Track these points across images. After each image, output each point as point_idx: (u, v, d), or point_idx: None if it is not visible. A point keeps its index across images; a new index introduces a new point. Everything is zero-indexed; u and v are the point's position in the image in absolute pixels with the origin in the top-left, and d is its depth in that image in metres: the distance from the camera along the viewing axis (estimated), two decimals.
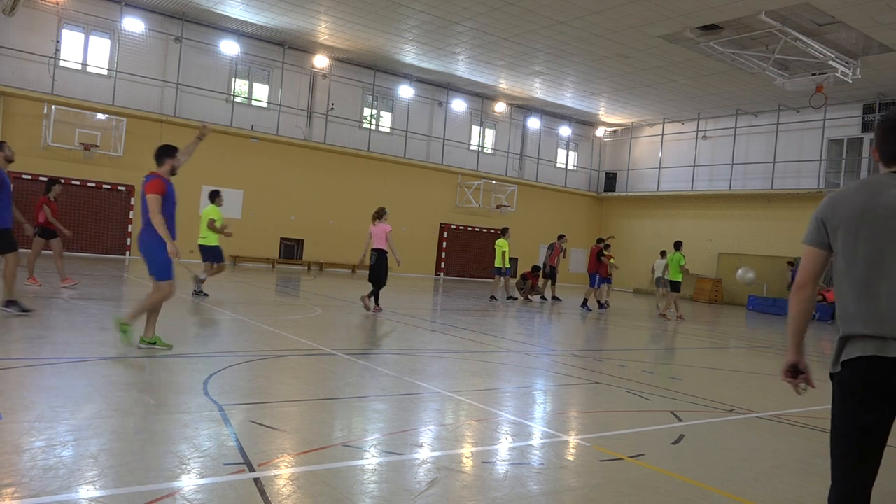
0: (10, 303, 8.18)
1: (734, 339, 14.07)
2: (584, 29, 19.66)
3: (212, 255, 12.14)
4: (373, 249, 12.15)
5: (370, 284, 12.15)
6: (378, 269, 12.09)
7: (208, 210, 12.21)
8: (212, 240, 12.08)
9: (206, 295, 11.90)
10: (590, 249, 18.39)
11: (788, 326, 2.57)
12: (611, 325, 14.99)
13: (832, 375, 2.48)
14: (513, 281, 19.72)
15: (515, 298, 18.34)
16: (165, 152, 6.93)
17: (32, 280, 11.21)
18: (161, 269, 6.63)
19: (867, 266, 2.32)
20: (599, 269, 18.04)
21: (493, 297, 17.86)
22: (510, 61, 23.87)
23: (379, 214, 12.32)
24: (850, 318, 2.38)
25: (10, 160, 8.48)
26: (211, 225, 11.97)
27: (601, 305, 18.17)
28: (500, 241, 17.65)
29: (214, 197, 12.36)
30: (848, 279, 2.38)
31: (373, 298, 12.11)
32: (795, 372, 2.61)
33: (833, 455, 2.48)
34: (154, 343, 6.71)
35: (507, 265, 17.73)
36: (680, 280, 17.07)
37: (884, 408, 2.32)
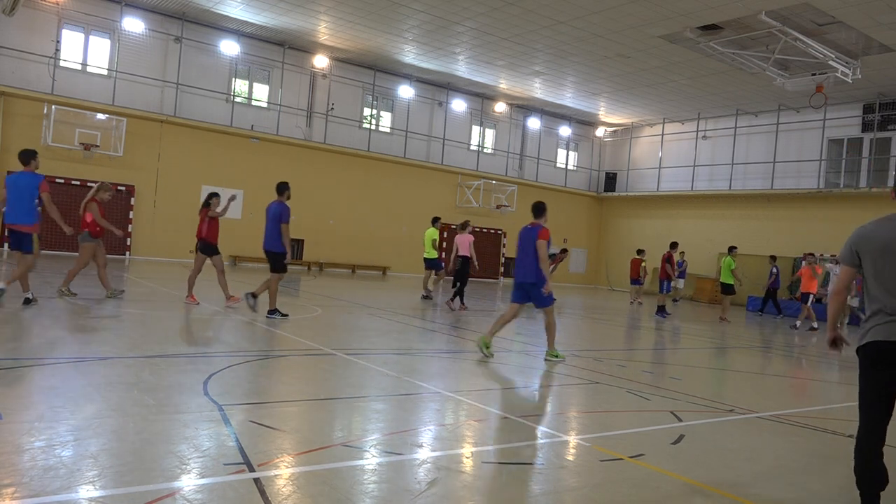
0: (273, 311, 10.03)
1: (734, 338, 14.07)
2: (584, 29, 19.65)
3: (433, 265, 15.77)
4: (457, 256, 14.55)
5: (453, 287, 14.40)
6: (462, 272, 14.39)
7: (430, 231, 15.77)
8: (433, 254, 15.63)
9: (430, 298, 15.56)
10: (661, 256, 18.80)
11: (829, 318, 3.81)
12: (611, 324, 14.99)
13: (858, 349, 3.53)
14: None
15: None
16: (544, 209, 8.43)
17: (191, 298, 10.94)
18: (545, 298, 8.12)
19: (889, 282, 3.44)
20: (665, 273, 18.44)
21: None
22: (510, 61, 23.87)
23: (463, 226, 15.10)
24: (875, 313, 3.49)
25: (289, 198, 10.42)
26: (434, 244, 15.55)
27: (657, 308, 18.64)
28: None
29: (436, 221, 16.04)
30: (876, 289, 3.49)
31: (458, 299, 14.16)
32: (835, 343, 3.76)
33: (860, 404, 3.53)
34: (556, 356, 8.22)
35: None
36: (731, 283, 17.49)
37: (892, 373, 3.41)
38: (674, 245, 19.06)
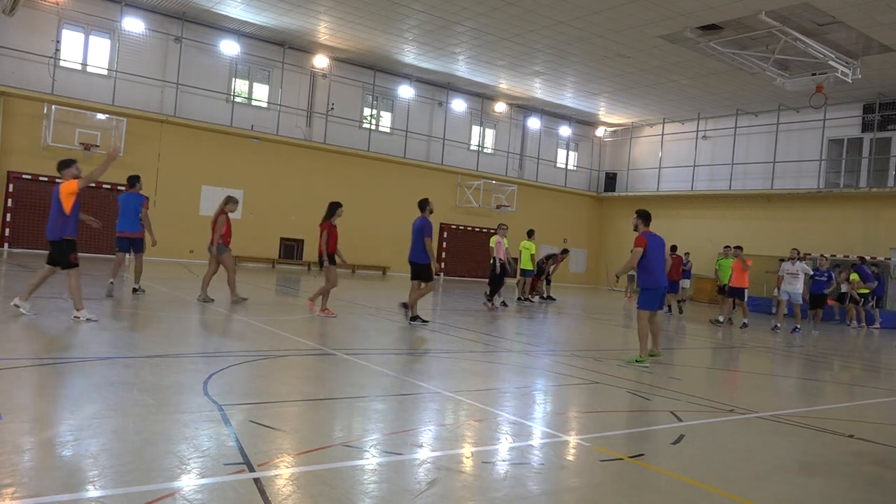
0: (415, 318, 10.65)
1: (734, 338, 14.06)
2: (584, 29, 19.66)
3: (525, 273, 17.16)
4: (493, 257, 15.37)
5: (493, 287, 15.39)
6: (491, 273, 15.43)
7: (494, 238, 16.33)
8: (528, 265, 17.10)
9: (505, 305, 15.95)
10: (673, 259, 19.32)
11: None
12: (611, 324, 14.99)
13: None
14: (512, 281, 19.85)
15: (521, 299, 18.41)
16: (649, 217, 8.75)
17: (326, 311, 10.84)
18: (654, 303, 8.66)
19: None
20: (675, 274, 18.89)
21: (525, 299, 18.02)
22: (510, 61, 23.87)
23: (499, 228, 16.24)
24: None
25: (431, 212, 10.90)
26: (490, 252, 16.31)
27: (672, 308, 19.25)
28: (526, 244, 18.04)
29: (500, 229, 16.42)
30: None
31: (493, 299, 15.04)
32: None
33: None
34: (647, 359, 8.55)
35: (533, 267, 18.16)
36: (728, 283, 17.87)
37: None
38: (674, 248, 19.57)
